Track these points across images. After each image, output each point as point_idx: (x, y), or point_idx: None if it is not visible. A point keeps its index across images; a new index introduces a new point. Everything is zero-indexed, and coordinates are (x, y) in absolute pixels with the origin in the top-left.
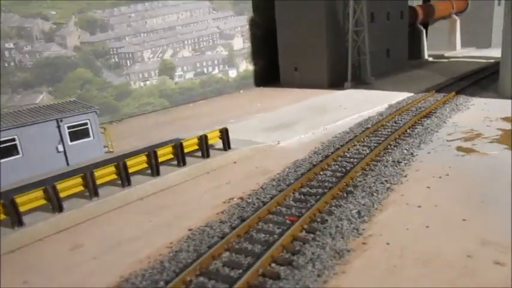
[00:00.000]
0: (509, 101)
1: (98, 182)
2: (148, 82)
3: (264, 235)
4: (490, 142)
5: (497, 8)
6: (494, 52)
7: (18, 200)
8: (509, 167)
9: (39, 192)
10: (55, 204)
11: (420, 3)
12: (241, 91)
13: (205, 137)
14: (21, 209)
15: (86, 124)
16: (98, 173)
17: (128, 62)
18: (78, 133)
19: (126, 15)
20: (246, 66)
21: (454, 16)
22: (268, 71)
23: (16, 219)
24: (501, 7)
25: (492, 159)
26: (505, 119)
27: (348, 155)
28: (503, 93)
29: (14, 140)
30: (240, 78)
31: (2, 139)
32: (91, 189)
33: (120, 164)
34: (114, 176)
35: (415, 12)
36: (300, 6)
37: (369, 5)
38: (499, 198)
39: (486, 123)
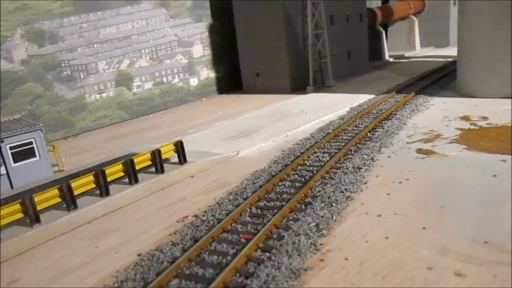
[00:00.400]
0: (467, 99)
1: (40, 207)
2: (104, 94)
3: (216, 257)
4: (449, 143)
5: (453, 8)
6: (452, 51)
7: None
8: (468, 168)
9: None
10: None
11: (379, 4)
12: (203, 99)
13: (159, 151)
14: None
15: (30, 143)
16: (39, 197)
17: (82, 74)
18: (23, 153)
19: (77, 26)
20: (208, 73)
21: (412, 17)
22: (230, 78)
23: None
24: (457, 7)
25: (451, 160)
26: (463, 117)
27: (308, 163)
28: (461, 92)
29: None
30: (201, 86)
31: None
32: (31, 216)
33: (64, 186)
34: (59, 199)
35: (374, 14)
36: (259, 11)
37: (328, 8)
38: (458, 202)
39: (445, 123)
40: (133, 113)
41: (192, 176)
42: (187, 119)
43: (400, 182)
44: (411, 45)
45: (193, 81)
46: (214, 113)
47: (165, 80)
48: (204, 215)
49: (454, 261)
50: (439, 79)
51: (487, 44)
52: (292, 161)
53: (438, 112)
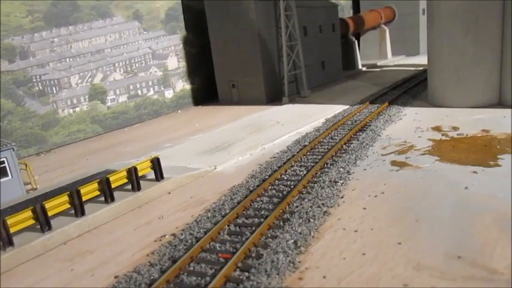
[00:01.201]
0: (438, 108)
1: (13, 229)
2: (77, 108)
3: (195, 278)
4: (422, 154)
5: (422, 17)
6: (423, 59)
7: None
8: (441, 180)
9: None
10: None
11: (350, 15)
12: (179, 111)
13: (135, 169)
14: None
15: (2, 163)
16: (11, 220)
17: (54, 88)
18: None
19: (49, 41)
20: (183, 85)
21: (384, 26)
22: (206, 89)
23: None
24: (425, 16)
25: (425, 172)
26: (435, 128)
27: (285, 178)
28: (432, 101)
29: None
30: (177, 98)
31: None
32: (4, 239)
33: (37, 208)
34: (32, 221)
35: (346, 24)
36: (233, 23)
37: (301, 19)
38: (432, 216)
39: (418, 134)
40: (108, 126)
41: (169, 193)
42: (163, 132)
43: (376, 196)
44: (383, 54)
45: (169, 94)
46: (190, 126)
47: (139, 92)
48: (182, 234)
49: (428, 277)
50: (411, 88)
51: (456, 54)
52: (269, 175)
53: (411, 122)
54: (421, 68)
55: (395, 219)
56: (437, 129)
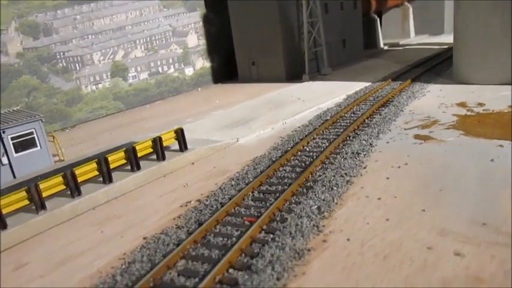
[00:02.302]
0: (463, 86)
1: (45, 194)
2: (100, 85)
3: (221, 239)
4: (446, 129)
5: None
6: (447, 38)
7: None
8: (465, 153)
9: None
10: None
11: None
12: (199, 89)
13: (160, 139)
14: None
15: (31, 134)
16: (43, 185)
17: (77, 65)
18: (24, 143)
19: (71, 18)
20: (203, 63)
21: (407, 4)
22: (226, 67)
23: None
24: None
25: (449, 145)
26: (460, 104)
27: (308, 149)
28: (457, 78)
29: None
30: (197, 76)
31: None
32: (37, 203)
33: (67, 173)
34: (63, 187)
35: (368, 2)
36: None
37: None
38: (456, 186)
39: (442, 109)
40: (130, 103)
41: (192, 163)
42: (183, 108)
43: (399, 167)
44: (406, 33)
45: (189, 71)
46: (210, 103)
47: (160, 70)
48: (207, 200)
49: (453, 242)
50: (435, 66)
51: (483, 30)
52: (291, 147)
53: (435, 99)
54: (446, 47)
55: (419, 188)
56: (462, 105)
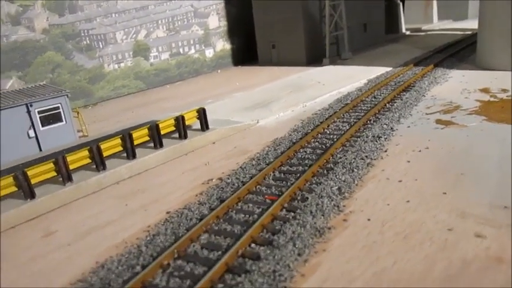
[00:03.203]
0: (487, 71)
1: (71, 166)
2: (122, 64)
3: (243, 215)
4: (469, 114)
5: None
6: (471, 24)
7: None
8: (488, 138)
9: (9, 179)
10: (26, 191)
11: None
12: (218, 71)
13: (182, 117)
14: None
15: (57, 108)
16: (70, 157)
17: (100, 43)
18: (50, 118)
19: None
20: (223, 45)
21: None
22: (246, 50)
23: None
24: None
25: (471, 131)
26: (483, 90)
27: (328, 132)
28: (481, 64)
29: None
30: (217, 57)
31: None
32: (64, 175)
33: (93, 148)
34: (88, 161)
35: None
36: None
37: None
38: (478, 170)
39: (464, 95)
40: (150, 83)
41: (213, 143)
42: (203, 89)
43: (420, 151)
44: (428, 18)
45: (209, 53)
46: (230, 85)
47: (181, 51)
48: (228, 178)
49: (473, 224)
50: (458, 52)
51: (509, 16)
52: (312, 130)
53: (457, 84)
54: (469, 33)
55: (440, 172)
56: (485, 91)
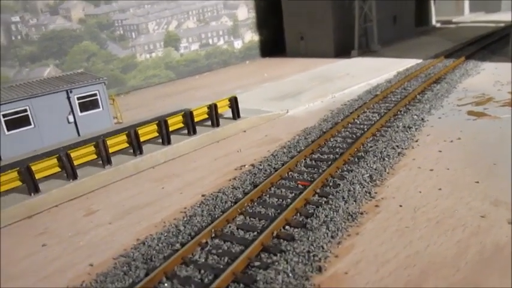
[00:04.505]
0: None
1: (111, 150)
2: (153, 54)
3: (277, 199)
4: (502, 106)
5: None
6: (504, 16)
7: (34, 167)
8: None
9: (53, 160)
10: (69, 171)
11: None
12: (247, 62)
13: (215, 105)
14: (37, 176)
15: (95, 95)
16: (110, 141)
17: (133, 34)
18: (88, 104)
19: None
20: (252, 36)
21: None
22: (274, 41)
23: (32, 186)
24: None
25: (504, 122)
26: None
27: (358, 122)
28: None
29: (25, 111)
30: (245, 49)
31: (14, 110)
32: (104, 158)
33: (131, 132)
34: (126, 145)
35: None
36: None
37: None
38: (510, 160)
39: (497, 87)
40: (180, 73)
41: (244, 131)
42: (232, 80)
43: (452, 141)
44: (460, 10)
45: (238, 44)
46: (258, 75)
47: (210, 42)
48: (260, 165)
49: (506, 211)
50: (490, 44)
51: None
52: (342, 120)
53: (489, 77)
54: (502, 25)
55: (472, 161)
56: None
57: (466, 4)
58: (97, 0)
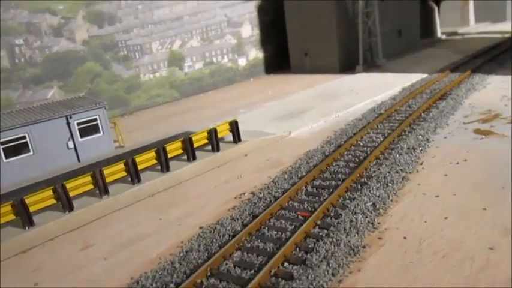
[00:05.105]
0: None
1: (108, 179)
2: (157, 74)
3: (276, 232)
4: (509, 123)
5: None
6: (510, 26)
7: (28, 200)
8: None
9: (48, 192)
10: (65, 203)
11: None
12: (251, 79)
13: (215, 130)
14: (32, 209)
15: (95, 120)
16: (107, 170)
17: (137, 54)
18: (88, 129)
19: (133, 7)
20: (256, 53)
21: None
22: (278, 58)
23: (27, 219)
24: None
25: None
26: None
27: (361, 144)
28: None
29: (24, 137)
30: (249, 66)
31: (12, 137)
32: (101, 187)
33: (129, 161)
34: (124, 174)
35: None
36: None
37: None
38: None
39: (504, 102)
40: (184, 92)
41: (246, 155)
42: (236, 98)
43: (458, 163)
44: (465, 21)
45: (242, 61)
46: (263, 93)
47: (214, 60)
48: (260, 192)
49: None
50: (497, 56)
51: None
52: (345, 141)
53: (496, 91)
54: (508, 35)
55: (480, 185)
56: None
57: (471, 14)
58: (101, 21)
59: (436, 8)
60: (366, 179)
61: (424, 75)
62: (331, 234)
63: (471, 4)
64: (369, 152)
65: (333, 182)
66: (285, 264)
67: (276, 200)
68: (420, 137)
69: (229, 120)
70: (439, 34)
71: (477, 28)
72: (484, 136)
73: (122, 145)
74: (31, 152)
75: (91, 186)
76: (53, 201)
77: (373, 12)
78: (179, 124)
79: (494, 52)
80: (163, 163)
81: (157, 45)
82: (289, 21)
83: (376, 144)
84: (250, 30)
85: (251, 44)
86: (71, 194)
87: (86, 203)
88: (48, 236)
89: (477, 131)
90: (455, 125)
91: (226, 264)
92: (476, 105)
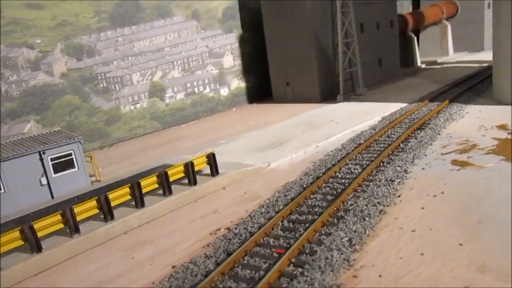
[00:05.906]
0: (505, 107)
1: (79, 217)
2: (138, 105)
3: (249, 271)
4: (486, 153)
5: (487, 11)
6: (487, 55)
7: None
8: (507, 181)
9: (15, 233)
10: (33, 244)
11: (410, 10)
12: (233, 109)
13: (192, 163)
14: None
15: (70, 155)
16: (78, 208)
17: (117, 86)
18: (62, 164)
19: (113, 40)
20: (238, 83)
21: (445, 21)
22: (261, 87)
23: None
24: (491, 10)
25: (489, 172)
26: (501, 126)
27: (340, 176)
28: (498, 99)
29: None
30: (232, 95)
31: None
32: (71, 226)
33: (101, 198)
34: (96, 211)
35: (405, 20)
36: (288, 21)
37: (358, 15)
38: (496, 217)
39: (481, 132)
40: (166, 123)
41: (224, 188)
42: (218, 129)
43: (435, 196)
44: (444, 51)
45: (224, 91)
46: (244, 123)
47: (196, 90)
48: (236, 228)
49: (493, 280)
50: (474, 86)
51: None
52: (323, 173)
53: (474, 121)
54: (486, 65)
55: (456, 219)
56: (503, 127)
57: (450, 44)
58: (80, 54)
59: (415, 39)
60: (343, 213)
61: (404, 105)
62: (306, 273)
63: (449, 35)
64: (346, 184)
65: (310, 217)
66: None
67: (251, 236)
68: (398, 168)
69: (206, 152)
70: (419, 63)
71: (456, 58)
72: (460, 167)
73: (99, 179)
74: (2, 190)
75: (61, 226)
76: (21, 242)
77: (353, 43)
78: (158, 156)
79: (472, 81)
80: (138, 199)
81: (138, 77)
82: (271, 51)
83: (354, 176)
84: (232, 61)
85: (233, 74)
86: (40, 234)
87: (56, 243)
88: (13, 280)
89: (454, 162)
90: (433, 155)
91: None
92: (454, 135)
